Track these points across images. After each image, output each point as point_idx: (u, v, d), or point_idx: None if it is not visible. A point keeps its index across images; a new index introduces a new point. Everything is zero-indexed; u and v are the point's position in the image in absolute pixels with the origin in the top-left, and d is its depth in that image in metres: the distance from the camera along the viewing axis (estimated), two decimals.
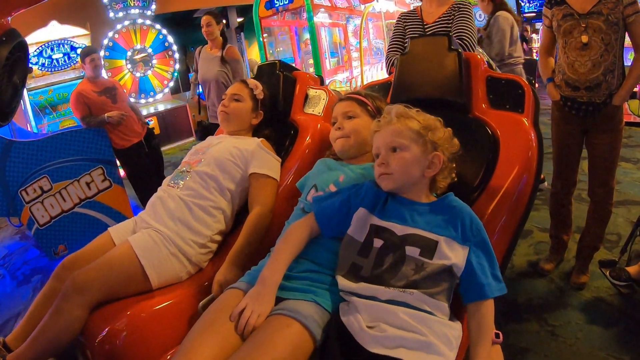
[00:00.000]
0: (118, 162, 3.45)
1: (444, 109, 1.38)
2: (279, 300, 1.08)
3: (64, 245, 3.26)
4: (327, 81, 5.26)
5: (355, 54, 7.16)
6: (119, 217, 3.36)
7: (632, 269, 1.99)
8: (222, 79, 3.30)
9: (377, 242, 1.06)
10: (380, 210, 1.10)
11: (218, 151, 1.65)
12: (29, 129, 5.45)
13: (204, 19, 3.34)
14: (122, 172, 3.52)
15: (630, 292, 2.00)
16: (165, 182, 1.68)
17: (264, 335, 0.97)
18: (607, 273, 2.06)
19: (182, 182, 1.60)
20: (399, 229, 1.06)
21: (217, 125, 3.33)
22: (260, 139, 1.73)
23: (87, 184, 3.28)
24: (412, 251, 1.02)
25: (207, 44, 3.47)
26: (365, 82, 5.74)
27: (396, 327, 0.94)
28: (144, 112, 6.38)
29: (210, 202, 1.57)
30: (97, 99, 3.23)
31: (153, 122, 6.41)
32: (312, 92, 1.94)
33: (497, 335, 1.00)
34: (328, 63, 7.05)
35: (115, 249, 1.46)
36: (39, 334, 1.30)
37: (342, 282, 1.05)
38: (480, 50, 2.96)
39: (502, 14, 3.27)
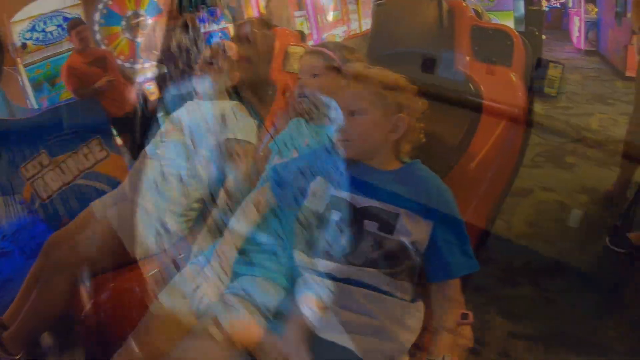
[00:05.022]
0: (114, 131, 3.44)
1: (423, 62, 1.30)
2: (235, 275, 1.06)
3: (68, 218, 3.31)
4: (324, 36, 5.05)
5: (352, 7, 6.86)
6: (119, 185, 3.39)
7: (634, 236, 1.93)
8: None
9: (335, 215, 0.99)
10: (338, 180, 1.02)
11: (192, 118, 1.62)
12: (29, 106, 5.45)
13: None
14: (119, 140, 3.52)
15: (630, 259, 1.94)
16: (142, 153, 1.67)
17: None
18: (607, 240, 2.00)
19: (158, 152, 1.60)
20: (358, 201, 0.98)
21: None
22: (235, 102, 1.68)
23: (85, 156, 3.29)
24: (370, 226, 0.95)
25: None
26: None
27: (349, 310, 0.90)
28: (146, 77, 6.30)
29: (186, 170, 1.55)
30: (87, 70, 3.22)
31: (153, 87, 6.32)
32: (292, 50, 1.86)
33: (464, 316, 0.93)
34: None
35: (94, 224, 1.49)
36: (29, 311, 1.36)
37: (299, 256, 1.01)
38: None
39: None
